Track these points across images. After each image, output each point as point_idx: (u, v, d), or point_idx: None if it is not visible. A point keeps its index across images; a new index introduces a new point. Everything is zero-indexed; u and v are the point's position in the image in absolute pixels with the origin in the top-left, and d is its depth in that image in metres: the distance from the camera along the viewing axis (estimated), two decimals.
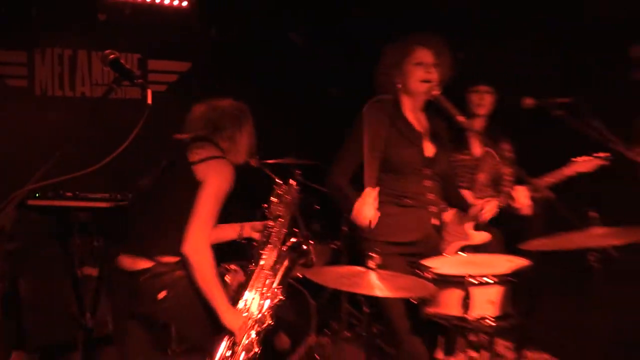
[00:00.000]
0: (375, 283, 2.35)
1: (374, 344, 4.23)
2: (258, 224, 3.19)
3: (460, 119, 2.84)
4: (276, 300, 2.99)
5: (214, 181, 2.82)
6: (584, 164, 3.68)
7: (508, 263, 2.75)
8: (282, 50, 5.89)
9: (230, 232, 3.25)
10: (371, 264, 2.41)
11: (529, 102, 3.14)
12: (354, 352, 4.63)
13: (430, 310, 2.66)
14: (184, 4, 5.79)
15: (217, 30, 5.89)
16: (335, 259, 4.18)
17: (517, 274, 2.61)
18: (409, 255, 2.94)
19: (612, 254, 2.63)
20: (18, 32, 5.15)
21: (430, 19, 4.37)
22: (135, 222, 2.98)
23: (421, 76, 2.95)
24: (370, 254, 2.43)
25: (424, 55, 2.97)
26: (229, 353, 2.86)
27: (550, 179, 3.66)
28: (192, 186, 2.81)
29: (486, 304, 2.57)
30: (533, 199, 2.56)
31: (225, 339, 2.87)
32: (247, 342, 2.90)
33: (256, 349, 2.91)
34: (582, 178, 3.79)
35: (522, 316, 2.64)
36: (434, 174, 3.01)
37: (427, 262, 2.79)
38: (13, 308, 4.47)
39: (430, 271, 2.65)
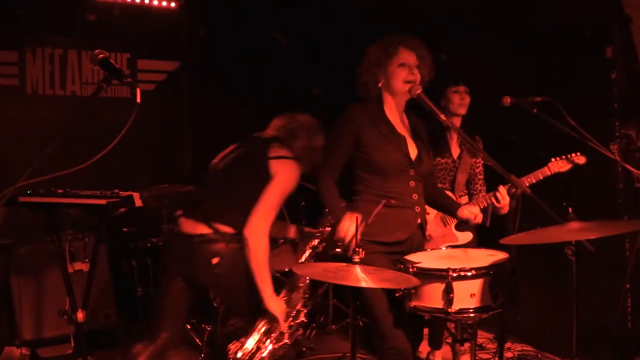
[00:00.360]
0: (361, 276, 2.37)
1: (360, 336, 4.26)
2: (304, 229, 3.37)
3: (443, 117, 2.85)
4: (310, 302, 3.25)
5: (285, 178, 3.08)
6: (561, 163, 3.74)
7: (488, 257, 2.77)
8: (268, 50, 5.89)
9: (285, 230, 3.63)
10: (356, 258, 2.43)
11: (506, 100, 3.16)
12: (340, 344, 4.66)
13: (414, 303, 2.67)
14: (173, 4, 5.78)
15: (205, 30, 5.90)
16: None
17: (497, 267, 2.63)
18: (393, 254, 2.95)
19: (588, 247, 2.67)
20: (9, 32, 5.12)
21: (410, 19, 4.39)
22: (204, 192, 3.24)
23: (405, 77, 2.97)
24: (355, 248, 2.44)
25: (408, 56, 2.99)
26: (263, 337, 3.08)
27: (530, 178, 3.72)
28: (264, 177, 3.06)
29: (468, 296, 2.59)
30: (511, 194, 2.58)
31: (263, 322, 3.08)
32: (279, 332, 3.08)
33: (286, 340, 3.08)
34: (559, 175, 3.84)
35: (503, 308, 2.65)
36: (418, 175, 3.03)
37: (409, 257, 2.82)
38: (5, 304, 4.45)
39: (414, 265, 2.67)
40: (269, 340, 3.06)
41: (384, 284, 2.48)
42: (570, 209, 2.53)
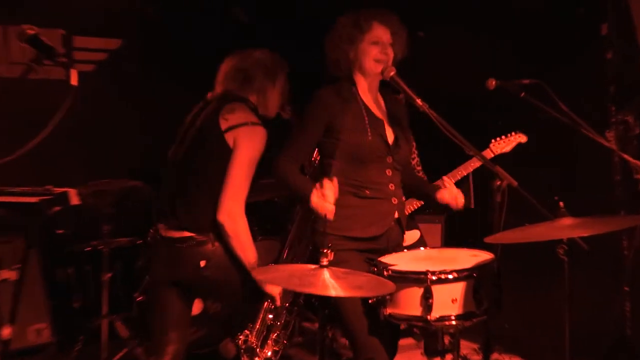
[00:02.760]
0: (330, 282, 2.38)
1: (328, 349, 4.29)
2: None
3: (419, 102, 2.88)
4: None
5: (246, 148, 3.09)
6: (502, 143, 3.90)
7: (471, 257, 2.82)
8: (226, 25, 5.86)
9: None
10: (324, 260, 2.44)
11: (491, 83, 3.21)
12: (307, 358, 4.68)
13: (389, 311, 2.70)
14: None
15: (153, 2, 5.82)
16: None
17: (481, 268, 2.68)
18: (367, 252, 2.98)
19: (581, 245, 2.73)
20: None
21: None
22: (172, 195, 3.24)
23: (376, 55, 3.01)
24: (322, 250, 2.46)
25: (382, 33, 3.03)
26: (268, 317, 3.29)
27: (474, 163, 3.89)
28: (225, 155, 3.08)
29: (449, 302, 2.63)
30: (497, 187, 2.62)
31: (265, 304, 3.26)
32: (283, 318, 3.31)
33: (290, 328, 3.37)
34: (548, 164, 3.93)
35: (488, 314, 2.70)
36: (396, 162, 3.07)
37: (384, 258, 2.85)
38: None
39: (388, 268, 2.69)
40: (278, 318, 3.32)
41: (355, 292, 2.50)
42: (561, 204, 2.59)
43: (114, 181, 4.73)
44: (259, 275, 2.86)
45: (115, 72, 5.75)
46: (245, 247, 3.09)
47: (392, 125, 3.11)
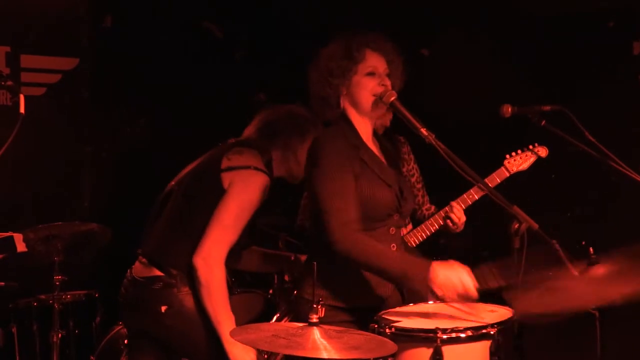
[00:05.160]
0: (321, 342, 2.37)
1: None
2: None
3: (424, 132, 2.88)
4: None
5: (239, 192, 3.20)
6: (519, 159, 3.91)
7: (488, 313, 2.81)
8: (197, 43, 5.90)
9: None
10: (314, 317, 2.44)
11: (507, 109, 3.23)
12: None
13: None
14: None
15: (112, 17, 5.86)
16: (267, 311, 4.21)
17: (500, 326, 2.66)
18: (364, 321, 2.95)
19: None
20: None
21: (386, 11, 4.47)
22: (154, 228, 3.38)
23: (374, 89, 3.01)
24: (313, 305, 2.45)
25: (377, 62, 3.03)
26: None
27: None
28: (216, 196, 3.19)
29: None
30: (514, 231, 2.61)
31: None
32: None
33: None
34: (578, 203, 3.94)
35: None
36: (401, 218, 3.07)
37: (386, 314, 2.83)
38: None
39: (391, 325, 2.68)
40: None
41: (351, 354, 2.47)
42: (591, 249, 2.58)
43: (67, 224, 4.70)
44: (235, 334, 2.83)
45: (69, 97, 5.75)
46: (215, 300, 3.11)
47: (395, 173, 3.12)
